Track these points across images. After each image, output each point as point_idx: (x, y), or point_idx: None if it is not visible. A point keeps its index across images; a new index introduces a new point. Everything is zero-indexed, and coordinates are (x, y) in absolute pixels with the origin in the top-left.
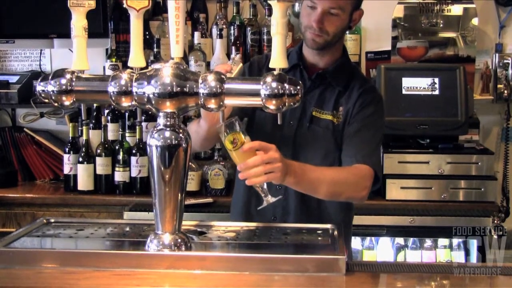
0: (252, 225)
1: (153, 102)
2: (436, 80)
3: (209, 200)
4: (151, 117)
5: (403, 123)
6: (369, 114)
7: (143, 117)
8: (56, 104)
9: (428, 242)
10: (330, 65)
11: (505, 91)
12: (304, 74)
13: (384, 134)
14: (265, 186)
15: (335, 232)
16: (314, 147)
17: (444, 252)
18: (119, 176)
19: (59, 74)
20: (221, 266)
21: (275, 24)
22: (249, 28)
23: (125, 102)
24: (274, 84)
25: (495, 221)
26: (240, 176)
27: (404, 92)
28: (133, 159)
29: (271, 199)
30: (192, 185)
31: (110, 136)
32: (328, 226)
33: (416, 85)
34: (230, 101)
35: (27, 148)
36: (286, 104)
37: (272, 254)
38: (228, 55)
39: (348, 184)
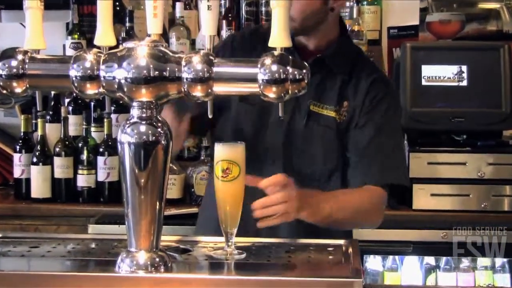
0: (247, 240)
1: (125, 89)
2: (475, 62)
3: (194, 210)
4: (123, 108)
5: (433, 115)
6: (385, 113)
7: (112, 108)
8: (4, 92)
9: (465, 262)
10: (324, 48)
11: None
12: (296, 58)
13: (409, 129)
14: None
15: (350, 249)
16: (311, 152)
17: (485, 274)
18: (83, 180)
19: (8, 54)
20: None
21: None
22: None
23: (91, 89)
24: (274, 67)
25: None
26: (256, 215)
27: (434, 76)
28: (100, 159)
29: None
30: (173, 191)
31: (72, 131)
32: (341, 242)
33: (449, 68)
34: (220, 88)
35: None
36: (290, 91)
37: (272, 277)
38: (218, 31)
39: (366, 213)
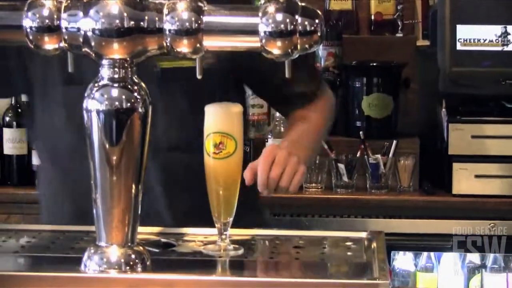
0: (245, 233)
1: (92, 43)
2: None
3: None
4: None
5: (478, 76)
6: None
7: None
8: None
9: None
10: None
11: None
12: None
13: (448, 94)
14: None
15: (374, 244)
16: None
17: None
18: None
19: None
20: None
21: None
22: None
23: (49, 44)
24: (279, 16)
25: None
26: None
27: (478, 28)
28: None
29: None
30: None
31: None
32: (363, 234)
33: (498, 17)
34: (212, 43)
35: None
36: (299, 46)
37: (275, 278)
38: None
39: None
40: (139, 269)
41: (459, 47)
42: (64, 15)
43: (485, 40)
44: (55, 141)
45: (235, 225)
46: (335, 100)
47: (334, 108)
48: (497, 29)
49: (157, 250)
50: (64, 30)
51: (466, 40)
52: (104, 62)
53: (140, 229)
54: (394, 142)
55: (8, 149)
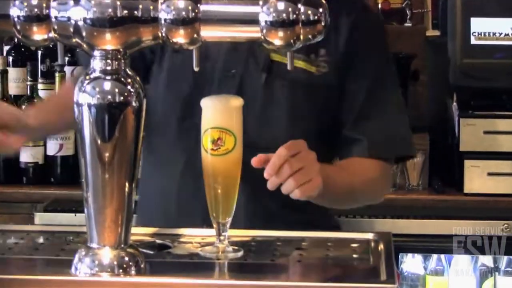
0: (245, 234)
1: (83, 33)
2: None
3: None
4: None
5: (491, 68)
6: (378, 61)
7: (66, 59)
8: None
9: None
10: None
11: None
12: None
13: (459, 87)
14: None
15: (381, 246)
16: (272, 115)
17: None
18: (28, 154)
19: None
20: None
21: None
22: None
23: (38, 34)
24: (281, 5)
25: None
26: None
27: (493, 21)
28: None
29: None
30: None
31: (13, 88)
32: (369, 236)
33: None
34: (210, 33)
35: None
36: (302, 36)
37: (277, 281)
38: None
39: (373, 188)
40: (133, 272)
41: (473, 41)
42: (53, 4)
43: (500, 34)
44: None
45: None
46: (383, 190)
47: (374, 197)
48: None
49: (151, 252)
50: (53, 20)
51: (481, 34)
52: (96, 53)
53: (134, 229)
54: None
55: None
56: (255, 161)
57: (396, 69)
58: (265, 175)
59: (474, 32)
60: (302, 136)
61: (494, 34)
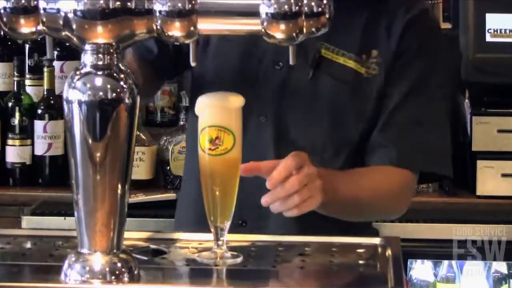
0: (244, 238)
1: (74, 26)
2: None
3: (171, 196)
4: (71, 53)
5: (505, 63)
6: (424, 67)
7: (55, 53)
8: None
9: None
10: None
11: None
12: None
13: (471, 83)
14: None
15: (388, 251)
16: (314, 113)
17: None
18: (14, 154)
19: None
20: None
21: None
22: None
23: (26, 27)
24: None
25: None
26: (265, 202)
27: (509, 17)
28: (39, 124)
29: None
30: (141, 170)
31: None
32: (376, 240)
33: None
34: (207, 26)
35: None
36: (305, 30)
37: None
38: None
39: (388, 201)
40: (126, 279)
41: (488, 38)
42: None
43: None
44: None
45: None
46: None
47: (402, 200)
48: None
49: (146, 258)
50: (42, 12)
51: (496, 31)
52: (87, 47)
53: (127, 234)
54: None
55: None
56: (243, 170)
57: (448, 79)
58: (269, 185)
59: (490, 29)
60: (340, 143)
61: (510, 31)
